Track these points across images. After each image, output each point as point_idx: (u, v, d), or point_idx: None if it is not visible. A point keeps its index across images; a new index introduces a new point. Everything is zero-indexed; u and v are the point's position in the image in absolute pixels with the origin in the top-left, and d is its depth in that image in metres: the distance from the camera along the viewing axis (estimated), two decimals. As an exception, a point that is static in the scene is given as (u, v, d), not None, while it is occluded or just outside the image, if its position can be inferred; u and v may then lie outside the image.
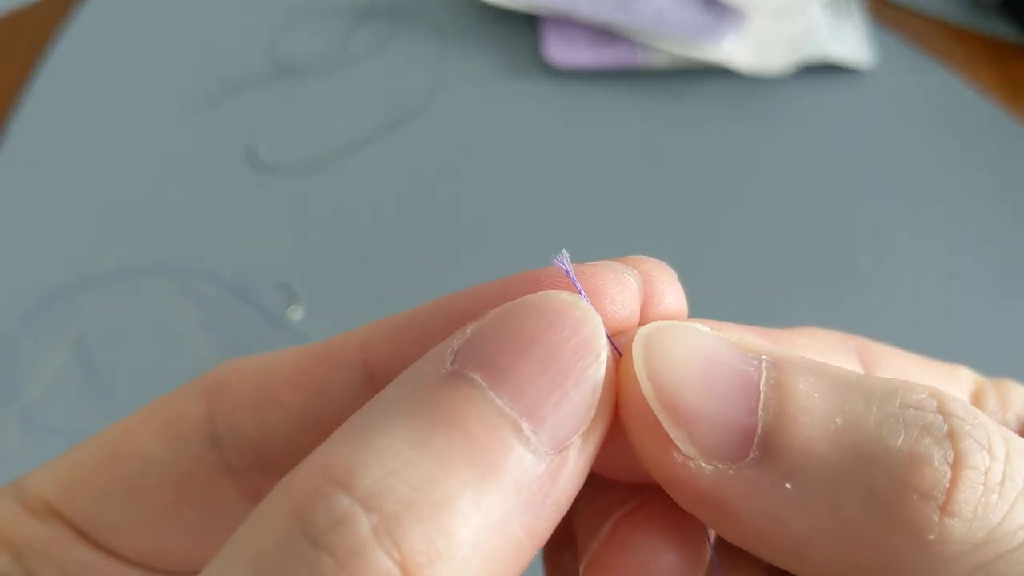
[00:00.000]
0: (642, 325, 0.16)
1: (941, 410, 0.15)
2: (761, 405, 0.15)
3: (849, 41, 0.59)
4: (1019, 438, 0.15)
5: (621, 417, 0.16)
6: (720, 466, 0.15)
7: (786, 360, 0.15)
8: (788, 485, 0.14)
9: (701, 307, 0.54)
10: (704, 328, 0.16)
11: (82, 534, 0.19)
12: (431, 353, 0.15)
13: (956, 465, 0.14)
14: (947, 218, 0.51)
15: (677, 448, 0.15)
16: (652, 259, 0.18)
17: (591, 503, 0.18)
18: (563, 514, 0.15)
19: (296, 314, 0.46)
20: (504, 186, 0.52)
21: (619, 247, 0.51)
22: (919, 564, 0.14)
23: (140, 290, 0.47)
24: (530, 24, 0.60)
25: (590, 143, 0.55)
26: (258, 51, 0.59)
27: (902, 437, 0.14)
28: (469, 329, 0.15)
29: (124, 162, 0.53)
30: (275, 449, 0.19)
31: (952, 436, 0.14)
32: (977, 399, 0.20)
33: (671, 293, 0.18)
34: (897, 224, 0.51)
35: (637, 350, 0.15)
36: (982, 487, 0.14)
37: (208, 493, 0.19)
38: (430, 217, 0.51)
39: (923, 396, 0.15)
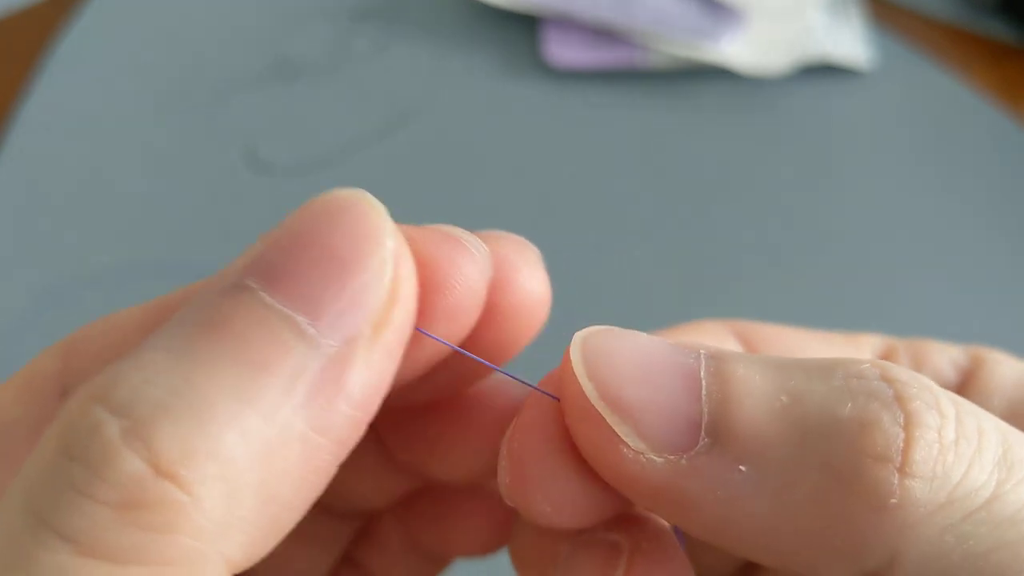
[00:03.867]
0: (492, 309, 0.16)
1: (884, 377, 0.14)
2: (704, 392, 0.15)
3: (848, 42, 0.59)
4: (966, 401, 0.15)
5: (567, 423, 0.16)
6: (671, 457, 0.14)
7: (723, 352, 0.15)
8: (742, 467, 0.14)
9: (699, 305, 0.54)
10: (635, 332, 0.16)
11: None
12: (221, 271, 0.15)
13: (908, 425, 0.14)
14: (945, 218, 0.52)
15: (625, 444, 0.15)
16: (512, 235, 0.18)
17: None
18: (367, 413, 0.14)
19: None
20: (503, 186, 0.52)
21: (619, 247, 0.51)
22: (884, 532, 0.13)
23: (140, 290, 0.47)
24: (530, 24, 0.60)
25: (590, 143, 0.55)
26: (258, 51, 0.59)
27: (849, 405, 0.14)
28: (258, 241, 0.15)
29: (124, 162, 0.53)
30: None
31: (899, 399, 0.14)
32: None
33: (532, 276, 0.17)
34: (895, 224, 0.51)
35: (575, 351, 0.15)
36: (937, 446, 0.14)
37: None
38: (429, 216, 0.51)
39: (864, 367, 0.15)
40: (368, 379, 0.14)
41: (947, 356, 0.20)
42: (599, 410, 0.15)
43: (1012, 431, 0.14)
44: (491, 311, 0.17)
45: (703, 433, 0.14)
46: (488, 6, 0.61)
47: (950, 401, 0.14)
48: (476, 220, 0.55)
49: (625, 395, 0.15)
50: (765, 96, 0.57)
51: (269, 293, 0.14)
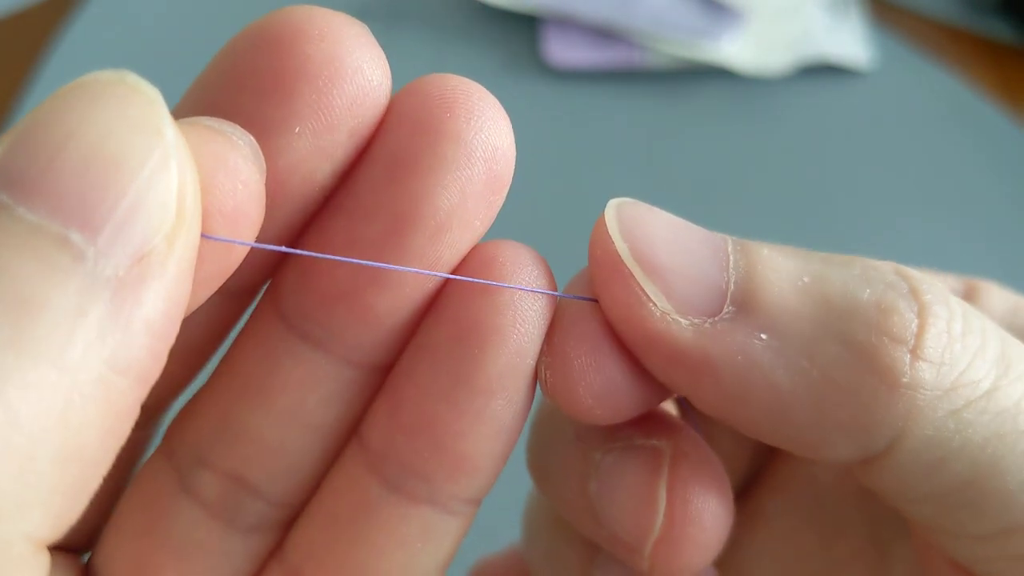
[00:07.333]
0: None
1: (899, 273, 0.15)
2: (732, 264, 0.16)
3: (848, 42, 0.59)
4: (970, 305, 0.16)
5: (595, 282, 0.16)
6: (696, 320, 0.15)
7: (747, 240, 0.16)
8: (764, 336, 0.15)
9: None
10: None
11: None
12: None
13: (921, 313, 0.14)
14: (946, 218, 0.52)
15: (653, 303, 0.15)
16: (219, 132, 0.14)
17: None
18: (167, 342, 0.12)
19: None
20: (504, 186, 0.52)
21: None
22: (893, 409, 0.14)
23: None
24: (530, 24, 0.60)
25: (590, 143, 0.55)
26: (258, 51, 0.59)
27: (868, 290, 0.15)
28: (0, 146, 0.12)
29: (124, 162, 0.53)
30: None
31: (914, 292, 0.15)
32: None
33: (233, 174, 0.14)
34: (896, 224, 0.51)
35: (610, 213, 0.16)
36: (946, 336, 0.14)
37: None
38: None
39: (880, 262, 0.16)
40: (167, 301, 0.12)
41: (946, 282, 0.21)
42: (630, 269, 0.15)
43: (1009, 336, 0.15)
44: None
45: (728, 301, 0.15)
46: (488, 6, 0.61)
47: (957, 301, 0.15)
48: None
49: (657, 257, 0.15)
50: (765, 96, 0.57)
51: (28, 207, 0.11)
